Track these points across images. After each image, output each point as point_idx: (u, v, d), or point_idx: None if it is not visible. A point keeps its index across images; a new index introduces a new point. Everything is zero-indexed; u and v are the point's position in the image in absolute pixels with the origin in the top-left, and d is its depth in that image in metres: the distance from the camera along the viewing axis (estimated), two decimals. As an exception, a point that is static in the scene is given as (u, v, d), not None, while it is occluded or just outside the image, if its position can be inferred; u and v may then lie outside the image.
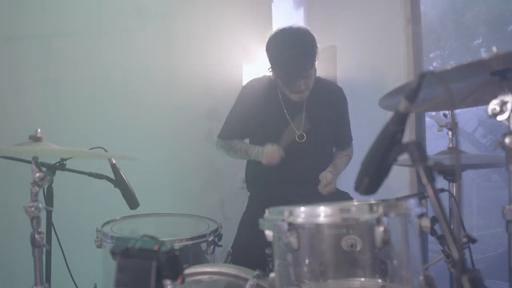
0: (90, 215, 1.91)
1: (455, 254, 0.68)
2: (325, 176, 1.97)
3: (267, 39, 1.99)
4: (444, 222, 0.70)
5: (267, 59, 2.00)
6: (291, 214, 0.91)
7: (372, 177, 0.87)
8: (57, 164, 1.61)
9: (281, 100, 2.08)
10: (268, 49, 1.98)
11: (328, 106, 2.14)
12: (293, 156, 1.98)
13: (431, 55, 5.87)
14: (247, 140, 2.22)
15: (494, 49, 1.13)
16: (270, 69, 2.01)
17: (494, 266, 3.71)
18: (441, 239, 1.27)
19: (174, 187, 2.73)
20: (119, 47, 2.59)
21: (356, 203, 1.27)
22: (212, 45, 2.79)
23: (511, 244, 1.06)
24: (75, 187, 2.08)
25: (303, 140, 2.03)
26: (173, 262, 0.85)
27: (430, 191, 0.73)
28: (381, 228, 0.85)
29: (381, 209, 0.86)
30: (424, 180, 0.74)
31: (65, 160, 1.63)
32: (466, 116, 5.18)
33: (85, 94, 2.50)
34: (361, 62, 2.94)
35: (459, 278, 0.65)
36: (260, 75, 2.80)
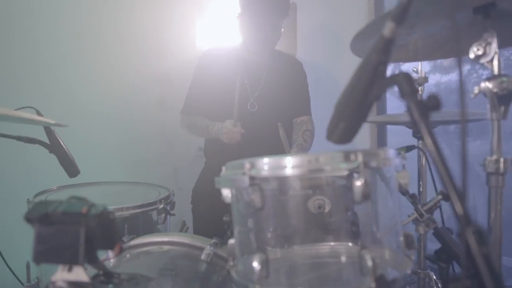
0: (22, 186, 1.68)
1: (458, 208, 0.56)
2: None
3: None
4: (442, 166, 0.57)
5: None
6: (253, 166, 0.76)
7: (349, 120, 0.73)
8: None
9: (241, 70, 1.91)
10: None
11: (287, 79, 2.03)
12: (245, 127, 1.84)
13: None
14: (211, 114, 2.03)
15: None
16: (239, 15, 1.92)
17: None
18: (413, 198, 1.17)
19: (123, 155, 2.51)
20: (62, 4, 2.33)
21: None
22: (162, 3, 2.54)
23: (491, 198, 0.98)
24: (1, 154, 1.82)
25: (255, 109, 1.93)
26: (106, 227, 0.67)
27: (423, 129, 0.60)
28: (360, 181, 0.71)
29: (360, 157, 0.72)
30: (416, 116, 0.61)
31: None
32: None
33: (19, 45, 2.21)
34: (321, 23, 2.80)
35: (463, 232, 0.53)
36: (216, 33, 2.61)
